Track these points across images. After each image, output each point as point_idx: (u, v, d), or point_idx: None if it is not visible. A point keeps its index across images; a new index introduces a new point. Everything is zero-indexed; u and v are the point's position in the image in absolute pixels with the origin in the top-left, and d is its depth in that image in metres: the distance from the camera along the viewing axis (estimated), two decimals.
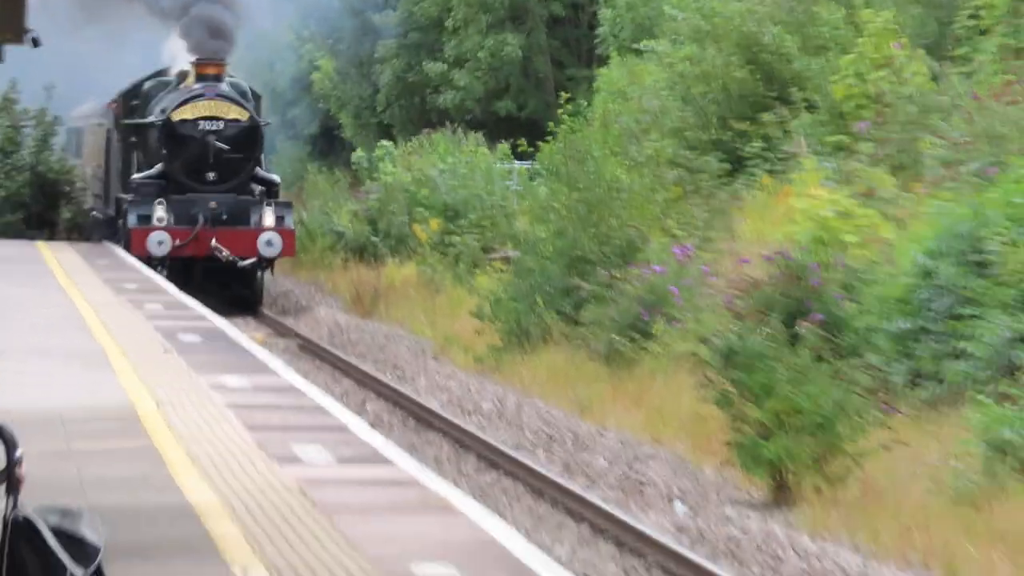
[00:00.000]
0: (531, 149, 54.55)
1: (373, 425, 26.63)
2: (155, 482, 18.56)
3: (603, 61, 60.71)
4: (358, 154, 73.85)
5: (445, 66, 70.34)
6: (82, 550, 8.54)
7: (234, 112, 50.12)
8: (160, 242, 46.97)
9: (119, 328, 32.80)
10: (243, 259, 48.62)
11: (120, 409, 23.03)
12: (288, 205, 53.28)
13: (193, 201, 49.31)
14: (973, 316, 29.43)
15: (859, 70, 41.23)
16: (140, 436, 21.36)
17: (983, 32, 40.80)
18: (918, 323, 30.77)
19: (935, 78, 40.35)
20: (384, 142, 68.93)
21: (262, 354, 31.09)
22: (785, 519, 25.97)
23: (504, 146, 62.16)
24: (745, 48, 45.64)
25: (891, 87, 39.80)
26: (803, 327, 30.98)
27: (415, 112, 69.40)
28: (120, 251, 59.14)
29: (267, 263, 51.36)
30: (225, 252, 47.72)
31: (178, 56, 55.96)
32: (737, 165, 43.68)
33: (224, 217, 48.99)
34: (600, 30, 64.35)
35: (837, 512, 25.99)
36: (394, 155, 66.25)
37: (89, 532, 8.70)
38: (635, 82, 51.38)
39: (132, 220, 49.42)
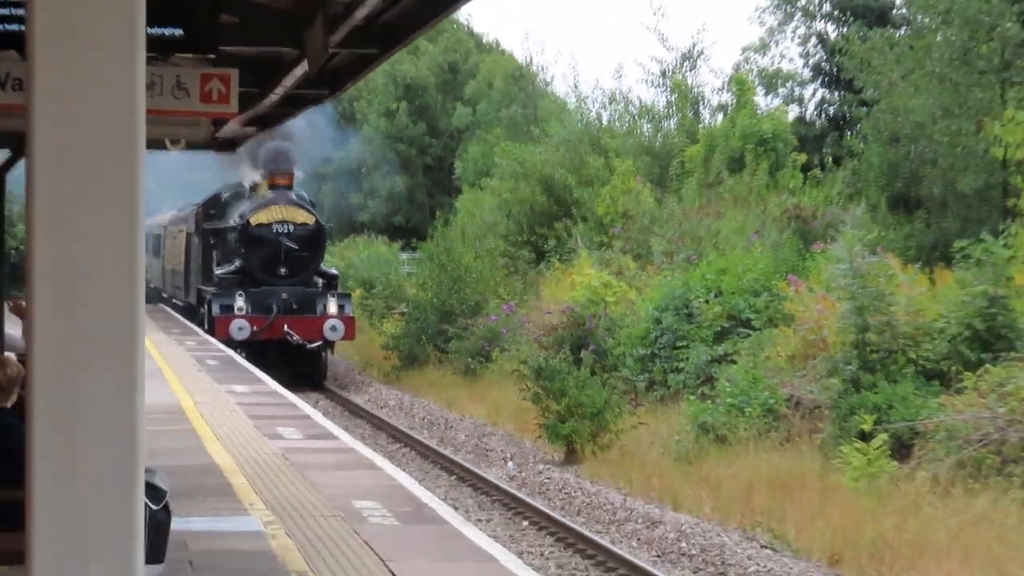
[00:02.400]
0: (415, 246, 53.90)
1: (325, 415, 26.72)
2: (194, 451, 18.71)
3: (459, 192, 60.14)
4: None
5: (362, 196, 69.61)
6: (156, 493, 9.20)
7: (302, 217, 40.46)
8: (240, 328, 38.08)
9: (170, 357, 32.57)
10: (311, 342, 39.18)
11: (172, 405, 22.87)
12: (347, 296, 42.49)
13: (267, 293, 39.55)
14: (685, 347, 29.61)
15: (612, 196, 41.24)
16: (185, 423, 21.42)
17: (688, 173, 40.94)
18: (652, 351, 30.81)
19: (659, 201, 40.45)
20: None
21: (257, 372, 31.25)
22: (574, 472, 25.89)
23: (397, 244, 61.71)
24: (544, 183, 45.52)
25: (632, 207, 39.88)
26: (583, 354, 31.22)
27: (346, 223, 68.18)
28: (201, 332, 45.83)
29: (329, 345, 40.97)
30: (296, 336, 38.56)
31: (246, 173, 44.91)
32: (540, 255, 43.63)
33: (294, 306, 39.48)
34: (457, 172, 63.88)
35: (606, 467, 25.95)
36: (332, 251, 65.55)
37: (160, 482, 9.21)
38: (478, 205, 51.06)
39: (216, 309, 39.80)
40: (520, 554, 13.42)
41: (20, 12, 9.95)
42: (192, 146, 21.78)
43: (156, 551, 8.96)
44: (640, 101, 49.34)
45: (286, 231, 40.06)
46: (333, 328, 39.15)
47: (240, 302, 38.97)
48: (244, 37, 14.06)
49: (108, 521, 4.69)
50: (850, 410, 22.80)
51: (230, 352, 36.59)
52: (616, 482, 24.85)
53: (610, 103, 50.43)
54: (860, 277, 24.05)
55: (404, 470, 18.21)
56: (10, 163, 18.85)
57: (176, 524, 10.21)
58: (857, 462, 21.10)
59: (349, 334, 40.05)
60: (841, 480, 21.18)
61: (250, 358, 35.22)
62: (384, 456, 20.43)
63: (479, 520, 20.77)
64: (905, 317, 24.00)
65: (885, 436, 21.45)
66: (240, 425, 21.58)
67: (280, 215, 40.14)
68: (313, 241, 40.89)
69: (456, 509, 15.47)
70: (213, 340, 39.48)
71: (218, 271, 41.76)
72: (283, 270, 40.17)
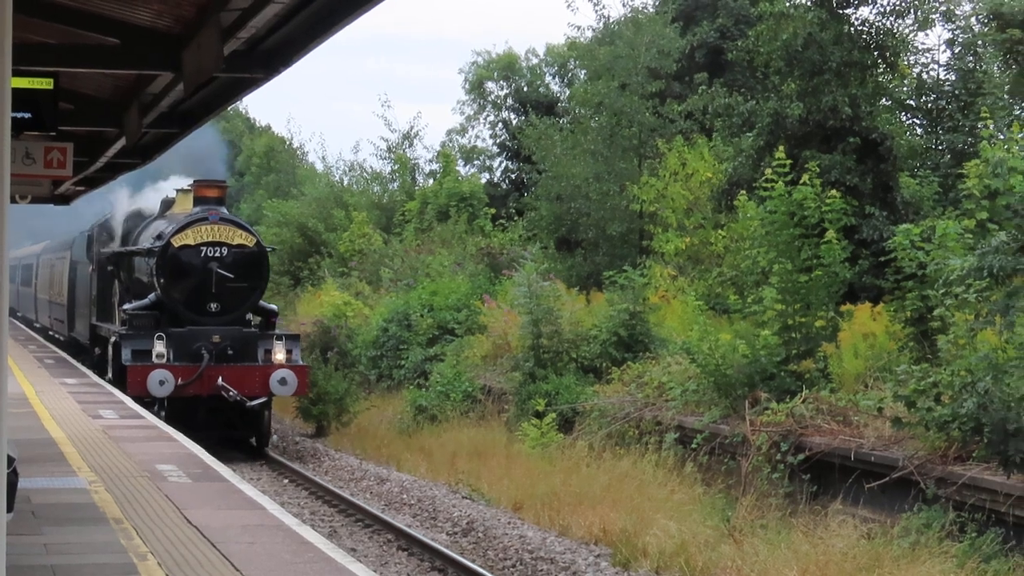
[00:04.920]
0: None
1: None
2: (35, 428, 17.69)
3: None
4: None
5: None
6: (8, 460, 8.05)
7: (239, 237, 23.97)
8: (163, 381, 22.40)
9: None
10: (253, 399, 22.99)
11: (18, 394, 21.49)
12: (295, 338, 25.17)
13: (195, 334, 23.37)
14: (406, 349, 29.29)
15: (351, 238, 40.81)
16: (28, 407, 20.23)
17: (407, 221, 40.66)
18: (381, 352, 30.43)
19: (386, 242, 40.08)
20: None
21: (85, 369, 28.38)
22: (323, 443, 25.51)
23: None
24: (300, 228, 44.92)
25: (366, 246, 39.42)
26: (329, 354, 30.62)
27: None
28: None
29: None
30: (233, 392, 22.73)
31: (146, 196, 29.61)
32: (297, 282, 42.85)
33: (230, 352, 23.37)
34: None
35: (347, 439, 25.61)
36: None
37: (10, 451, 8.27)
38: None
39: (126, 355, 23.45)
40: (283, 504, 13.08)
41: None
42: (36, 200, 22.34)
43: (8, 503, 8.41)
44: (372, 169, 49.55)
45: (218, 255, 23.73)
46: (282, 381, 22.92)
47: (160, 347, 22.89)
48: (77, 120, 14.81)
49: None
50: (528, 396, 22.83)
51: (63, 354, 32.57)
52: (354, 450, 24.53)
53: (350, 170, 50.50)
54: (536, 297, 24.07)
55: (199, 443, 17.38)
56: None
57: (21, 483, 10.43)
58: (533, 434, 21.10)
59: (302, 388, 23.67)
60: (522, 448, 21.16)
61: (170, 419, 20.95)
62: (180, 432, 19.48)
63: (252, 479, 20.26)
64: (568, 327, 24.09)
65: (554, 415, 21.48)
66: (70, 408, 20.42)
67: (210, 235, 23.77)
68: (253, 268, 24.19)
69: (235, 471, 14.86)
70: (51, 344, 32.99)
71: (127, 307, 25.11)
72: (214, 305, 23.71)
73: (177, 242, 23.67)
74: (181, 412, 22.13)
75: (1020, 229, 14.61)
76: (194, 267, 23.66)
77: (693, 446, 18.36)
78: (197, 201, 24.70)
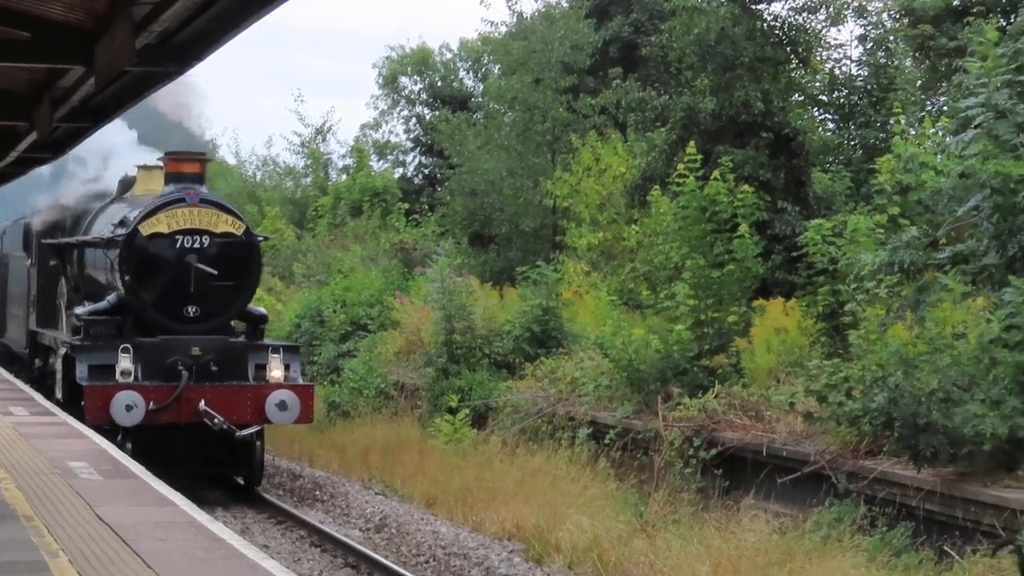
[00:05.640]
0: None
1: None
2: None
3: None
4: None
5: None
6: None
7: (224, 223, 18.37)
8: (129, 406, 16.97)
9: None
10: (243, 427, 17.64)
11: None
12: (295, 350, 19.83)
13: (169, 345, 17.93)
14: (319, 344, 29.04)
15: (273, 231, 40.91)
16: None
17: (321, 216, 40.41)
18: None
19: (299, 237, 39.79)
20: None
21: (5, 374, 26.06)
22: None
23: None
24: None
25: (278, 241, 39.12)
26: None
27: None
28: None
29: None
30: (219, 419, 17.35)
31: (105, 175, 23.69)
32: None
33: (213, 368, 17.84)
34: None
35: None
36: None
37: None
38: None
39: (82, 371, 17.88)
40: (195, 500, 12.86)
41: None
42: None
43: None
44: (285, 164, 49.42)
45: (197, 246, 18.42)
46: (282, 406, 17.97)
47: (126, 361, 17.68)
48: None
49: None
50: (441, 391, 22.76)
51: None
52: (266, 447, 24.14)
53: (263, 165, 50.21)
54: (449, 293, 23.96)
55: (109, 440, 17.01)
56: None
57: None
58: (446, 430, 21.03)
59: (306, 414, 18.48)
60: (435, 444, 21.08)
61: (137, 454, 16.02)
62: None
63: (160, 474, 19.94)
64: (482, 322, 24.01)
65: (467, 411, 21.40)
66: None
67: (188, 220, 18.46)
68: (241, 263, 18.87)
69: (147, 468, 14.60)
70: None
71: (80, 310, 19.50)
72: (192, 309, 18.49)
73: (146, 229, 18.46)
74: (152, 444, 17.52)
75: (931, 224, 14.75)
76: (168, 261, 18.57)
77: (606, 441, 18.33)
78: (170, 179, 19.37)
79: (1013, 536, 11.98)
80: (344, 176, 45.30)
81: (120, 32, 9.50)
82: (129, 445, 17.01)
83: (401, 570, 14.34)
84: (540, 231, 30.81)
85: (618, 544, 14.49)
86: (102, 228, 20.40)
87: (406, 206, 39.29)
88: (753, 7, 24.81)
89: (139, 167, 21.86)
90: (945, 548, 13.06)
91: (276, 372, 18.45)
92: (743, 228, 18.61)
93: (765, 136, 23.78)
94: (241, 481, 19.27)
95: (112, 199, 22.25)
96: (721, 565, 13.18)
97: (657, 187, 23.29)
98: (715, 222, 18.78)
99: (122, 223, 19.08)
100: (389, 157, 49.51)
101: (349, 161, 46.53)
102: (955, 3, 25.60)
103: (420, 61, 48.23)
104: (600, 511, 15.84)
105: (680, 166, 19.63)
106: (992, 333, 13.33)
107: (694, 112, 24.34)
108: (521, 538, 15.65)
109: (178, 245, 18.46)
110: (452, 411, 21.36)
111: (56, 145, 17.08)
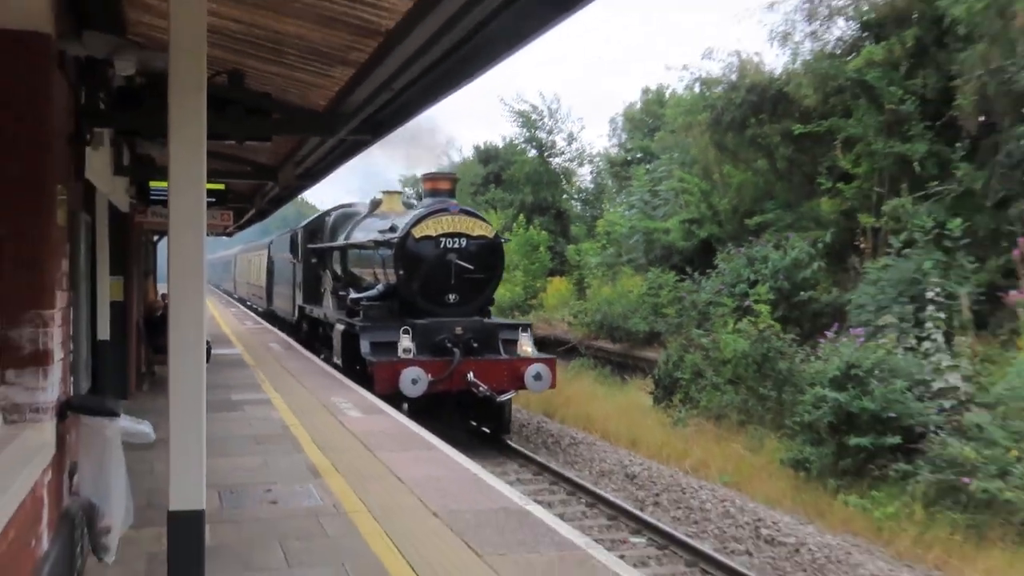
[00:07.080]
0: None
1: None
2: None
3: None
4: None
5: None
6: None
7: (479, 228, 22.19)
8: (415, 379, 19.42)
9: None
10: (501, 393, 20.41)
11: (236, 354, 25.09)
12: (529, 327, 22.08)
13: (437, 327, 20.95)
14: None
15: None
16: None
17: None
18: None
19: None
20: None
21: (318, 361, 24.86)
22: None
23: None
24: None
25: None
26: None
27: None
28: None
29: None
30: (484, 387, 20.16)
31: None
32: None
33: (474, 345, 20.85)
34: None
35: None
36: None
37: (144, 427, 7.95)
38: None
39: (365, 347, 20.74)
40: (460, 449, 13.78)
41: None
42: (211, 234, 26.76)
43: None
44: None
45: (457, 246, 22.17)
46: (538, 376, 20.60)
47: (407, 341, 20.71)
48: (232, 199, 20.96)
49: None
50: None
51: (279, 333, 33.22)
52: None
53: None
54: None
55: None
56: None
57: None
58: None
59: (553, 383, 21.04)
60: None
61: (414, 413, 18.87)
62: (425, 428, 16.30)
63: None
64: None
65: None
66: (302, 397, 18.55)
67: (450, 226, 22.27)
68: (490, 260, 22.49)
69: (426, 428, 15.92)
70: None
71: (357, 295, 23.69)
72: (452, 296, 22.06)
73: (417, 233, 21.87)
74: (425, 407, 20.14)
75: (618, 247, 36.21)
76: (433, 258, 21.86)
77: None
78: (428, 193, 23.26)
79: (652, 369, 26.18)
80: None
81: (288, 168, 16.15)
82: (405, 406, 19.42)
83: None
84: None
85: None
86: (364, 235, 25.07)
87: None
88: (547, 159, 50.09)
89: (383, 192, 27.83)
90: (624, 376, 28.40)
91: (527, 347, 21.25)
92: (542, 248, 40.58)
93: (552, 211, 47.36)
94: (487, 431, 21.97)
95: (365, 214, 27.61)
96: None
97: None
98: (537, 249, 40.91)
99: (392, 229, 22.73)
100: None
101: None
102: (628, 157, 48.12)
103: None
104: None
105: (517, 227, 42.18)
106: (642, 289, 33.89)
107: (524, 205, 47.79)
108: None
109: (441, 245, 21.76)
110: None
111: (262, 214, 28.61)
